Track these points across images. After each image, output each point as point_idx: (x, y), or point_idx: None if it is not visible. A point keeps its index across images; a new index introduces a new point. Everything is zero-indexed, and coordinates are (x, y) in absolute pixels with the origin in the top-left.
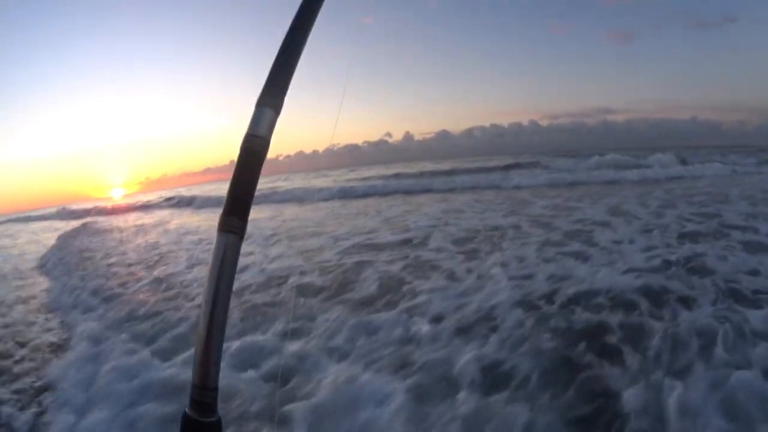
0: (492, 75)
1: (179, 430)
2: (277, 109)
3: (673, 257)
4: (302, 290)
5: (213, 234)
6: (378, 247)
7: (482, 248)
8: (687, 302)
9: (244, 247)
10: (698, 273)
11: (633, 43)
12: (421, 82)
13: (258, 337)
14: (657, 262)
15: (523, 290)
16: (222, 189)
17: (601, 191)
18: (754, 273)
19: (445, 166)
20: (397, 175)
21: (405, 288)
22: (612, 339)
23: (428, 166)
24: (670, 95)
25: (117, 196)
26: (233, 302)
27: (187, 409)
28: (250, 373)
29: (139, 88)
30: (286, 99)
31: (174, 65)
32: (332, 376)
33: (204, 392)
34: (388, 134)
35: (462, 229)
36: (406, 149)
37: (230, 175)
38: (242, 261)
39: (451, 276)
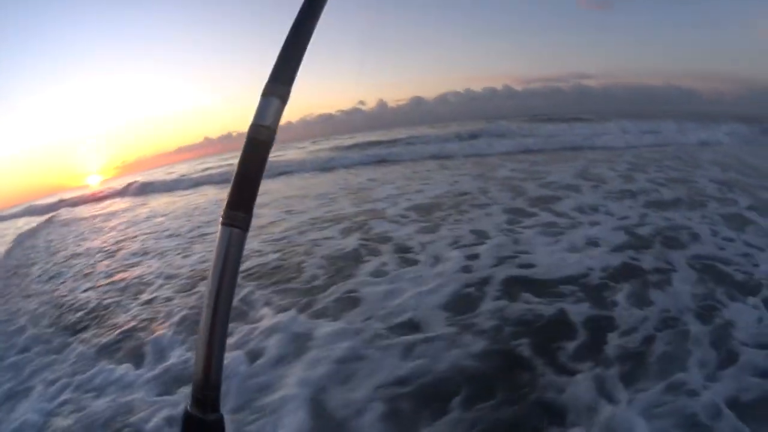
0: (464, 40)
1: (181, 428)
2: (284, 99)
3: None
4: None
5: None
6: (336, 220)
7: (443, 219)
8: (660, 286)
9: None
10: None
11: (608, 9)
12: (392, 48)
13: None
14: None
15: (470, 276)
16: (193, 167)
17: (575, 156)
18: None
19: (418, 132)
20: (367, 144)
21: (347, 271)
22: (571, 341)
23: (401, 133)
24: (647, 62)
25: (93, 183)
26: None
27: (188, 407)
28: None
29: (106, 74)
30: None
31: (142, 45)
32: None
33: (206, 389)
34: (362, 102)
35: (428, 197)
36: (380, 116)
37: (203, 151)
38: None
39: (402, 258)
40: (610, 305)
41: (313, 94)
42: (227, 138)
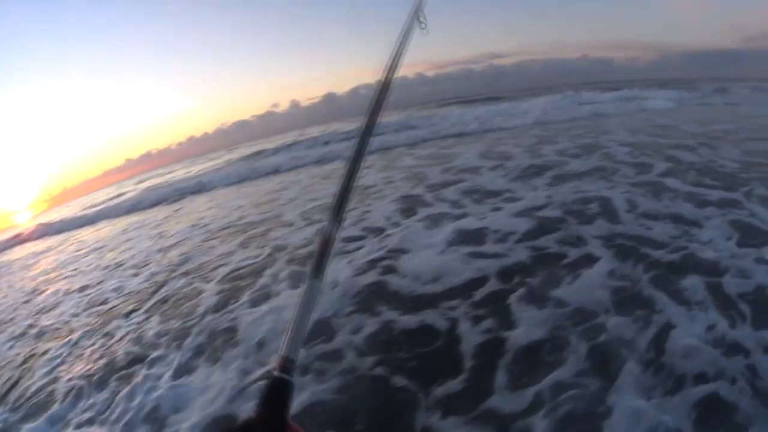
0: (372, 31)
1: (267, 386)
2: (341, 222)
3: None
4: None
5: None
6: (241, 231)
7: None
8: (571, 282)
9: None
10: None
11: None
12: (300, 47)
13: None
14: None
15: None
16: (108, 194)
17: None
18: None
19: (330, 129)
20: (273, 151)
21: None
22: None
23: (314, 132)
24: (559, 36)
25: (21, 222)
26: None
27: (275, 372)
28: None
29: (25, 106)
30: None
31: (58, 72)
32: None
33: (288, 360)
34: (275, 105)
35: (330, 194)
36: (294, 117)
37: (126, 173)
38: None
39: (291, 273)
40: (506, 319)
41: (226, 101)
42: (147, 156)
